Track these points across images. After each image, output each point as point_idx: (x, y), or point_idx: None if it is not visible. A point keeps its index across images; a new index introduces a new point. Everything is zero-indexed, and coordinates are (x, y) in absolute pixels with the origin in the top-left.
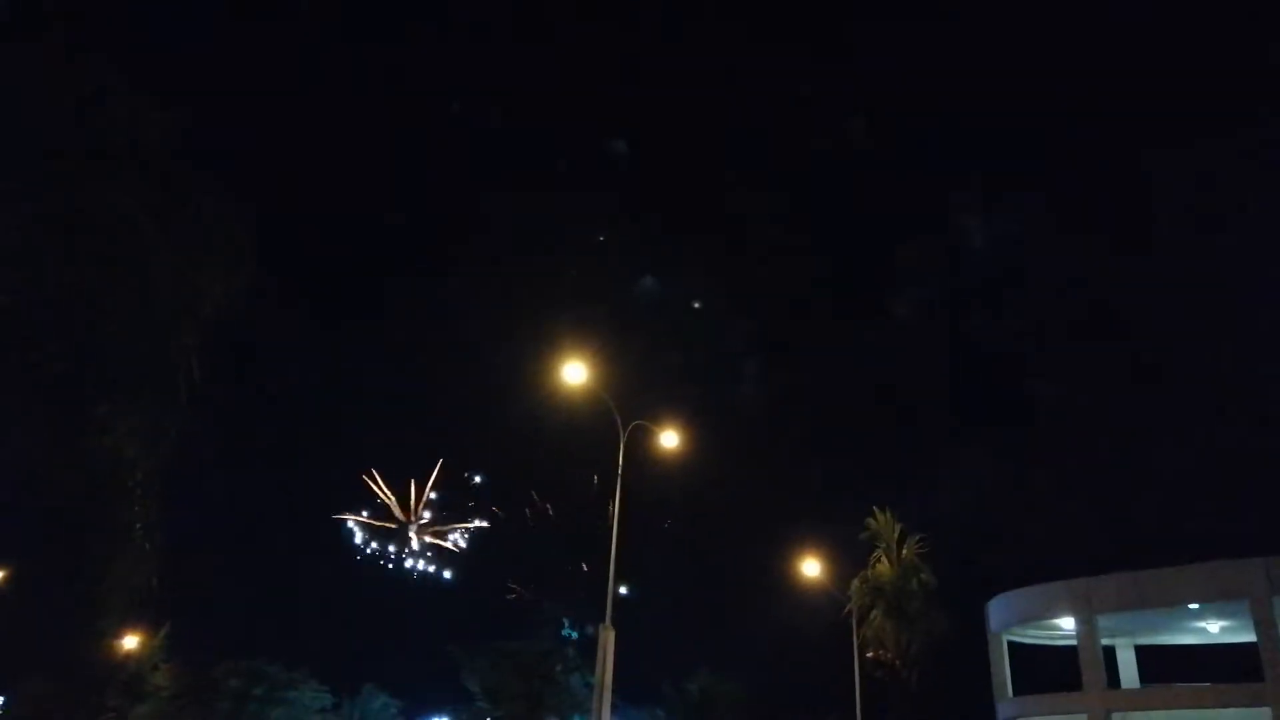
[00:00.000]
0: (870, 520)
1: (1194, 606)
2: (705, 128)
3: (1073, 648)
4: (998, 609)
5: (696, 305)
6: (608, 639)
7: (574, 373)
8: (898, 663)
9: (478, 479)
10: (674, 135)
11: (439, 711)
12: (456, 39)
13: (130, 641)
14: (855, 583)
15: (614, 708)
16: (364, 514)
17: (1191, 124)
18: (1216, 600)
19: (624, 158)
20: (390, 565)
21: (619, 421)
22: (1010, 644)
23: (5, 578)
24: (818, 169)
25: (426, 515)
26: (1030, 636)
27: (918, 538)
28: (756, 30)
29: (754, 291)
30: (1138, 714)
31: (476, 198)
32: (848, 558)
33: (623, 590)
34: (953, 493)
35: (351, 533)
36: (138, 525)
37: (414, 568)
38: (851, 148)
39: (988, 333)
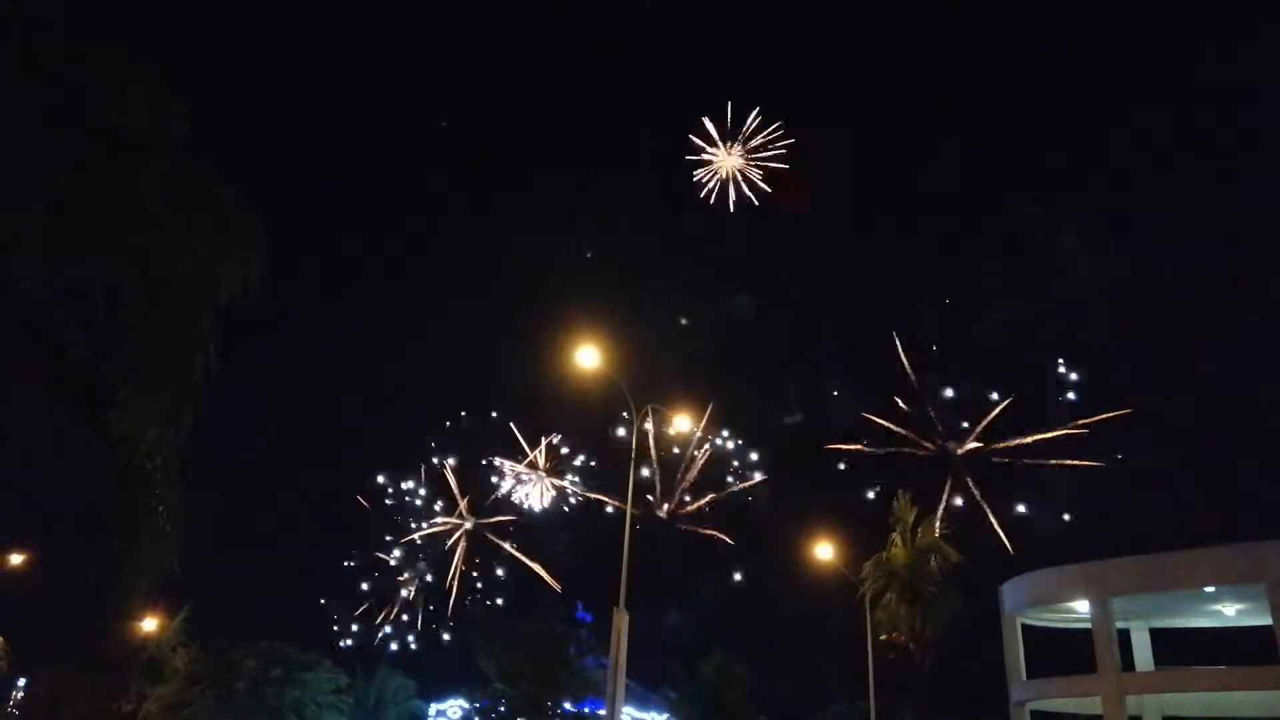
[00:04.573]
0: (895, 503)
1: (1210, 589)
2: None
3: (1087, 630)
4: (1011, 592)
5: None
6: (622, 621)
7: (587, 357)
8: (911, 645)
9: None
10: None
11: (454, 692)
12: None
13: (150, 624)
14: (868, 565)
15: (627, 690)
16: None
17: None
18: (1232, 583)
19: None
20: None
21: (632, 404)
22: (1024, 627)
23: (26, 562)
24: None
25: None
26: (1044, 619)
27: (940, 518)
28: None
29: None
30: (1152, 696)
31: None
32: (872, 545)
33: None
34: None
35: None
36: (159, 509)
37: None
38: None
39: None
